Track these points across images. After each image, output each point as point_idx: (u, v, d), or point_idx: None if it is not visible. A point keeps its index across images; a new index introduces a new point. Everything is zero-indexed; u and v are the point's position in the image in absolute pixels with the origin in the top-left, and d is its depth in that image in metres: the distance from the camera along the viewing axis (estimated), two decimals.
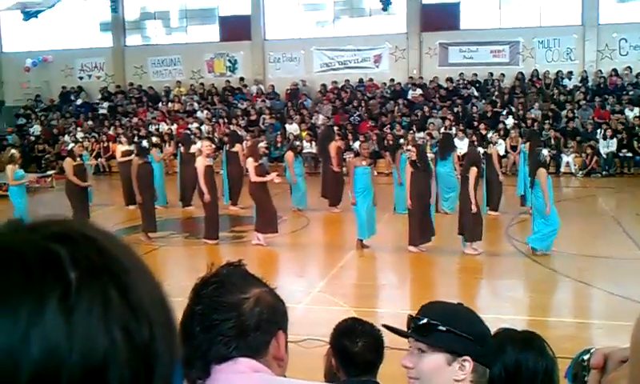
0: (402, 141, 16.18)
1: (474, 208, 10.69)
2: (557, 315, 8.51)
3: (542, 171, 10.59)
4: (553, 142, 19.77)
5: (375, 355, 2.82)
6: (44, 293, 0.60)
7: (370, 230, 11.62)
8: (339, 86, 25.05)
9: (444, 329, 1.84)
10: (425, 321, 1.88)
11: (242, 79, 26.41)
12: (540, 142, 14.81)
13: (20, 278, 0.60)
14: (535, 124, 20.77)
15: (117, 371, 0.61)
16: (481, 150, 13.67)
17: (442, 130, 20.34)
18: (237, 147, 16.20)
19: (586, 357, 1.22)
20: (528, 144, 14.86)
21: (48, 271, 0.61)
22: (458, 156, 15.18)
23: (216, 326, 1.57)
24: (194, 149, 15.85)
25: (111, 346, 0.61)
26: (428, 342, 1.87)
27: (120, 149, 16.13)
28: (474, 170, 10.89)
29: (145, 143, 14.44)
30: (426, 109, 22.72)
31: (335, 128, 19.61)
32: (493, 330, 2.45)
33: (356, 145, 16.44)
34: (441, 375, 1.84)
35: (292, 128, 22.58)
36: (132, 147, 15.27)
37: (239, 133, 18.82)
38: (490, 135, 16.40)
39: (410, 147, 12.17)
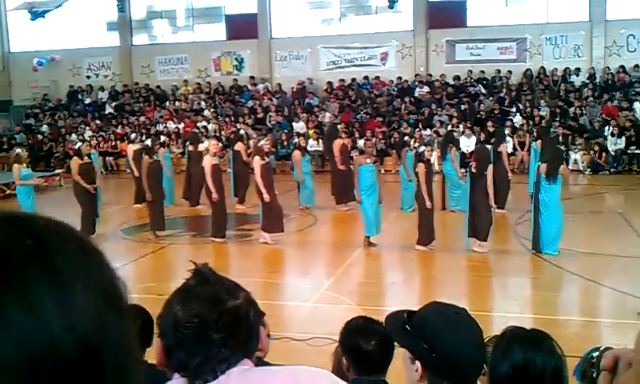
0: (406, 138, 16.15)
1: (493, 206, 10.76)
2: (565, 313, 8.47)
3: (562, 168, 10.67)
4: (561, 139, 19.71)
5: (386, 354, 2.81)
6: (29, 283, 0.66)
7: (376, 228, 11.61)
8: (346, 83, 25.05)
9: (409, 328, 1.96)
10: (401, 319, 2.04)
11: (252, 77, 26.41)
12: (552, 139, 14.71)
13: (5, 273, 0.66)
14: (543, 121, 20.70)
15: (110, 348, 0.69)
16: (488, 147, 13.61)
17: (449, 127, 20.28)
18: (238, 146, 16.17)
19: (594, 354, 1.21)
20: (539, 141, 14.81)
21: (32, 263, 0.67)
22: (464, 153, 15.10)
23: (232, 334, 1.55)
24: (201, 147, 15.86)
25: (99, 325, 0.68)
26: (398, 339, 2.04)
27: (132, 148, 16.17)
28: (490, 169, 10.90)
29: (148, 142, 14.45)
30: (433, 106, 22.68)
31: (341, 126, 19.58)
32: (501, 329, 2.45)
33: (361, 143, 16.37)
34: (409, 369, 1.97)
35: (299, 126, 22.58)
36: (144, 145, 15.28)
37: (241, 131, 18.78)
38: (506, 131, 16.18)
39: (422, 147, 12.03)
